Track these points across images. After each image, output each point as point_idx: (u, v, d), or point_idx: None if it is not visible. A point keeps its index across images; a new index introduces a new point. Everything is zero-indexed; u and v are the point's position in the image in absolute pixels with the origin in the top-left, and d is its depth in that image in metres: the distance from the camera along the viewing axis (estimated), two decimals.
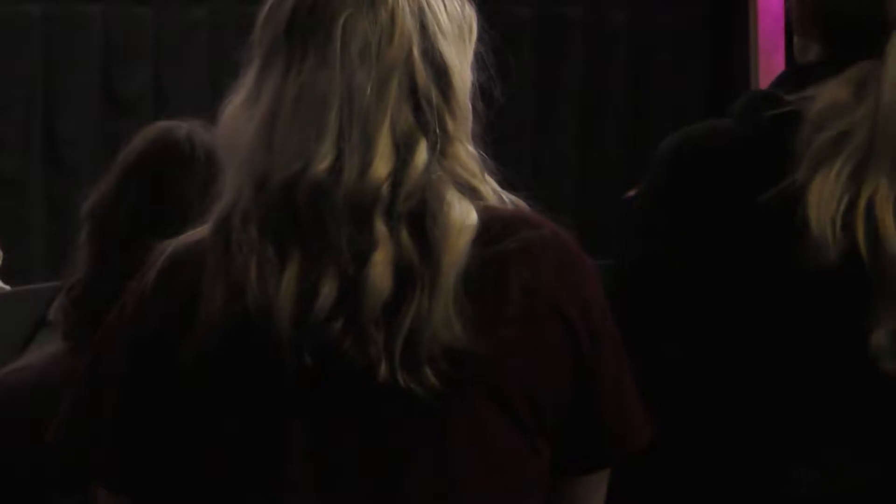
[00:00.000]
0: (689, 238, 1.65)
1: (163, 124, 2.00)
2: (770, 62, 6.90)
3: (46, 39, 6.27)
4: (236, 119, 1.51)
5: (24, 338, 2.96)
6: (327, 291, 1.43)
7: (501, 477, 1.48)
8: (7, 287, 3.74)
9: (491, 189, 1.52)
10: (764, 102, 1.67)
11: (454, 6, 1.54)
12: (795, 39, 1.76)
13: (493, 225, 1.47)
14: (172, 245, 1.53)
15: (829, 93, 1.61)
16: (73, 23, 6.31)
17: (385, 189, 1.44)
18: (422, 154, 1.47)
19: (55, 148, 6.32)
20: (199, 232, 1.54)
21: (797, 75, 1.71)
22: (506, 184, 1.55)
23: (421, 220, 1.45)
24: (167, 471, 1.51)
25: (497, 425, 1.48)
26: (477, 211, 1.47)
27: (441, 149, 1.48)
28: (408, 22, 1.49)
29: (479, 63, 1.56)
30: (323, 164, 1.45)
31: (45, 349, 2.02)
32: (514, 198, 1.55)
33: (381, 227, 1.44)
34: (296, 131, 1.47)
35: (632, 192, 6.57)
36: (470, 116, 1.55)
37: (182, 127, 1.99)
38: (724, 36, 7.27)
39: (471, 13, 1.57)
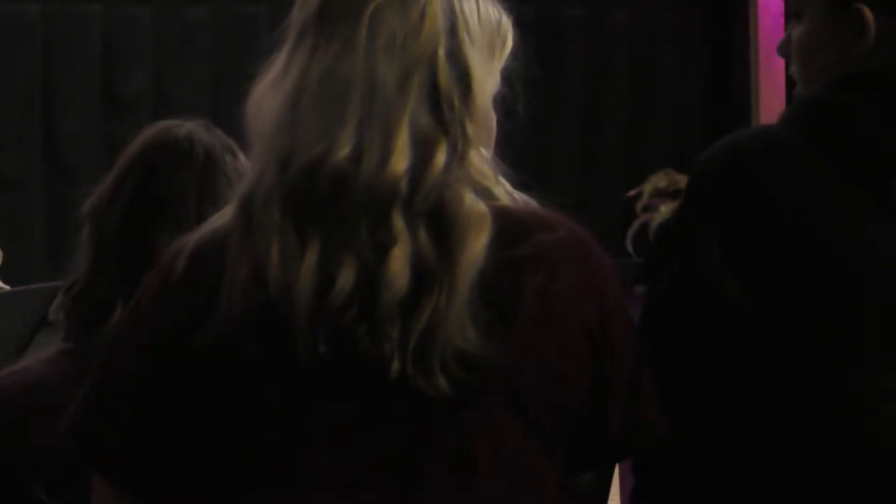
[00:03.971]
0: (745, 257, 1.59)
1: (163, 123, 2.00)
2: (770, 62, 6.90)
3: (46, 39, 6.28)
4: (263, 97, 1.51)
5: (24, 338, 2.96)
6: (344, 280, 1.43)
7: (516, 478, 1.48)
8: (7, 287, 3.74)
9: (504, 190, 1.52)
10: (816, 108, 1.64)
11: (489, 17, 1.55)
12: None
13: (508, 227, 1.47)
14: (195, 237, 1.52)
15: None
16: (73, 23, 6.32)
17: (403, 185, 1.44)
18: (442, 154, 1.46)
19: (55, 148, 6.33)
20: (221, 218, 1.53)
21: (846, 84, 1.66)
22: (518, 184, 1.55)
23: (439, 219, 1.45)
24: (183, 465, 1.51)
25: (513, 428, 1.47)
26: (492, 213, 1.47)
27: (460, 152, 1.48)
28: (438, 22, 1.50)
29: (506, 78, 1.56)
30: (344, 150, 1.45)
31: (44, 350, 2.01)
32: (527, 198, 1.55)
33: (398, 223, 1.44)
34: (319, 114, 1.47)
35: (632, 192, 6.59)
36: (491, 124, 1.55)
37: (183, 126, 1.98)
38: (724, 35, 7.28)
39: (507, 28, 1.57)
